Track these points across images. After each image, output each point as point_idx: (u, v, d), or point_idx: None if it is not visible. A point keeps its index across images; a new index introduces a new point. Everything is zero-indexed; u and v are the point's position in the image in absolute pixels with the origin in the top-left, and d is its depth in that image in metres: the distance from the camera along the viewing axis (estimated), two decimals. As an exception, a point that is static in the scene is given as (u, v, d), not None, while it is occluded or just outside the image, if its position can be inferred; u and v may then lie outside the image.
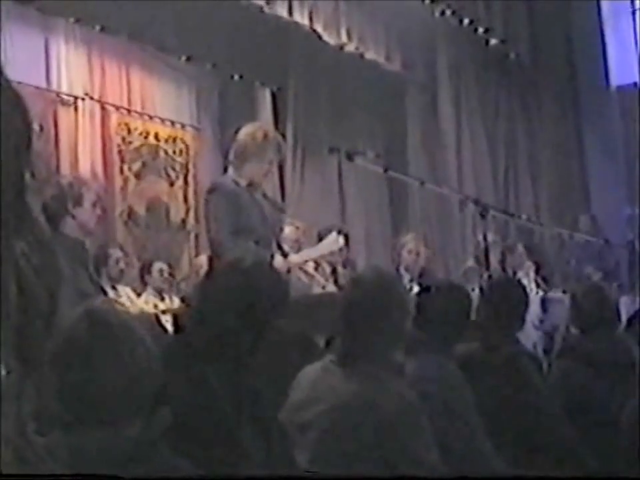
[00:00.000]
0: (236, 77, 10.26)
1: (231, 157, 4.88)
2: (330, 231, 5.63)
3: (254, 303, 2.88)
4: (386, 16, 9.80)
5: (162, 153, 9.85)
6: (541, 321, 7.52)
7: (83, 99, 9.03)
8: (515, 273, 8.23)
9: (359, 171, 9.45)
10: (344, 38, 9.47)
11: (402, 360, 3.37)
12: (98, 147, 9.15)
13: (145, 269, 7.93)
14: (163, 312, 6.53)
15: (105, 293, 4.94)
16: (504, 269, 8.38)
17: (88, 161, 8.94)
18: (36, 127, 7.91)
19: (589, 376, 4.50)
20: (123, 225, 9.33)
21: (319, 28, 9.14)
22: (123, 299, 7.20)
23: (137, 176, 9.55)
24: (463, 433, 3.59)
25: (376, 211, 11.04)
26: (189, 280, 8.53)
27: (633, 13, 11.42)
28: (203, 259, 7.23)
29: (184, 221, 9.97)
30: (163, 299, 7.67)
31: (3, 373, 1.05)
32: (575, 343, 4.91)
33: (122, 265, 7.55)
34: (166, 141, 9.92)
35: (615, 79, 11.34)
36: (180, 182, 10.00)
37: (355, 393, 3.12)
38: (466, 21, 10.10)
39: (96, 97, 9.18)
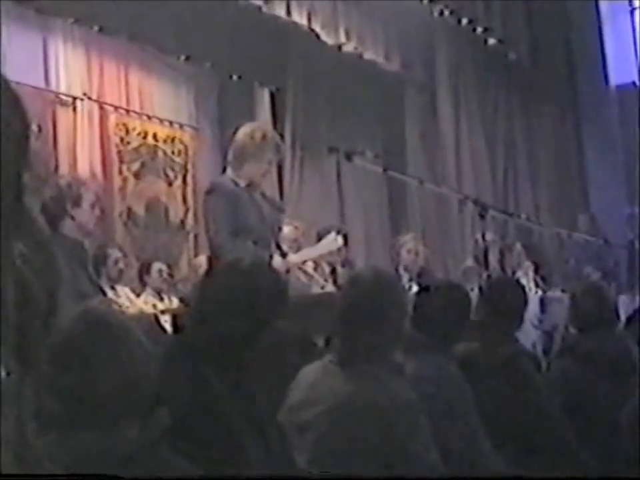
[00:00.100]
0: (234, 77, 10.25)
1: (230, 157, 4.88)
2: (329, 231, 5.63)
3: (253, 303, 2.88)
4: (384, 16, 9.80)
5: (161, 153, 9.85)
6: (540, 321, 7.52)
7: (81, 99, 9.02)
8: (514, 273, 8.23)
9: (357, 171, 9.44)
10: (342, 38, 9.48)
11: (401, 360, 3.37)
12: (96, 147, 9.14)
13: (144, 269, 7.93)
14: (162, 312, 6.53)
15: (104, 293, 4.94)
16: (503, 269, 8.38)
17: (87, 161, 8.93)
18: (34, 127, 7.91)
19: (588, 375, 4.50)
20: (121, 225, 9.33)
21: (317, 28, 9.14)
22: (122, 299, 7.20)
23: (136, 176, 9.54)
24: (463, 432, 3.59)
25: (375, 211, 11.04)
26: (188, 280, 8.52)
27: (632, 12, 11.44)
28: (202, 259, 7.23)
29: (183, 221, 9.96)
30: (162, 299, 7.67)
31: (3, 374, 1.05)
32: (574, 343, 4.91)
33: (121, 265, 7.54)
34: (164, 141, 9.91)
35: (614, 78, 11.36)
36: (179, 182, 9.99)
37: (354, 393, 3.12)
38: (464, 21, 10.11)
39: (94, 97, 9.17)
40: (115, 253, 7.55)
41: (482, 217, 5.54)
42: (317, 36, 9.22)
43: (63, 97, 8.90)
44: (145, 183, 9.64)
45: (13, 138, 1.14)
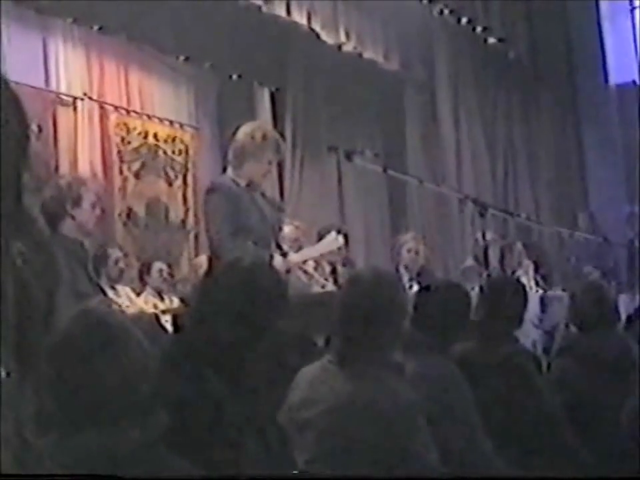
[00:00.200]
0: (234, 77, 10.25)
1: (230, 156, 4.88)
2: (329, 231, 5.63)
3: (253, 303, 2.88)
4: (384, 15, 9.80)
5: (161, 153, 9.85)
6: (540, 320, 7.51)
7: (81, 99, 9.03)
8: (514, 272, 8.22)
9: (358, 170, 9.44)
10: (342, 37, 9.48)
11: (400, 359, 3.37)
12: (97, 147, 9.14)
13: (145, 269, 7.93)
14: (163, 312, 6.53)
15: (105, 293, 4.94)
16: (503, 268, 8.38)
17: (87, 161, 8.93)
18: (35, 127, 7.91)
19: (589, 374, 4.50)
20: (122, 225, 9.33)
21: (317, 27, 9.14)
22: (123, 299, 7.20)
23: (136, 176, 9.54)
24: (463, 432, 3.59)
25: (375, 210, 11.04)
26: (188, 280, 8.52)
27: (632, 11, 11.43)
28: (202, 259, 7.23)
29: (183, 221, 9.96)
30: (162, 299, 7.67)
31: (3, 374, 1.05)
32: (575, 342, 4.91)
33: (121, 265, 7.55)
34: (165, 140, 9.91)
35: (614, 77, 11.35)
36: (179, 182, 9.99)
37: (353, 393, 3.12)
38: (464, 20, 10.11)
39: (95, 97, 9.17)
40: (115, 253, 7.56)
41: (482, 216, 5.54)
42: (317, 36, 9.22)
43: (63, 97, 8.90)
44: (146, 183, 9.64)
45: (12, 138, 1.14)
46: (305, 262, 5.42)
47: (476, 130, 11.20)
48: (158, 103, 9.98)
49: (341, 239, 5.37)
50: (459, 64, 11.09)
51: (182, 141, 10.10)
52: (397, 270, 7.25)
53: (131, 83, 9.66)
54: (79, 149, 8.90)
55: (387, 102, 11.06)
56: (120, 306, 6.47)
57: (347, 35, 9.51)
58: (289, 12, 8.81)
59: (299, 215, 8.61)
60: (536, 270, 8.39)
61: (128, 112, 9.58)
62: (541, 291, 8.02)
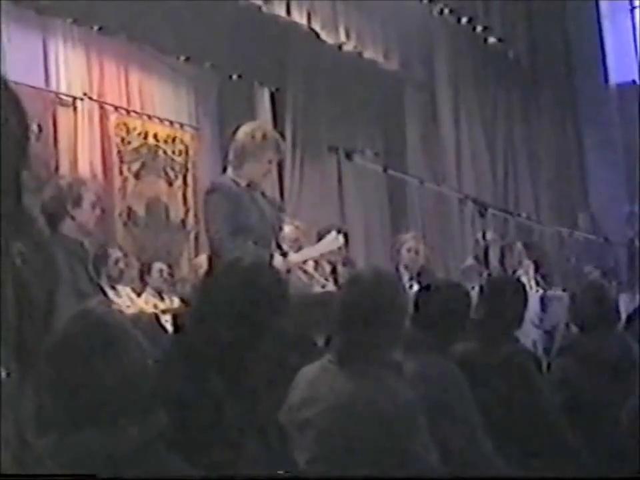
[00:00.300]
0: (234, 77, 10.25)
1: (230, 156, 4.88)
2: (329, 230, 5.63)
3: (253, 303, 2.88)
4: (384, 15, 9.80)
5: (161, 153, 9.85)
6: (541, 320, 7.51)
7: (81, 99, 9.02)
8: (514, 272, 8.22)
9: (358, 170, 9.44)
10: (342, 37, 9.48)
11: (400, 359, 3.37)
12: (97, 147, 9.14)
13: (145, 269, 7.94)
14: (163, 312, 6.55)
15: (105, 293, 4.94)
16: (503, 268, 8.37)
17: (87, 161, 8.93)
18: (35, 127, 7.91)
19: (589, 374, 4.50)
20: (122, 225, 9.33)
21: (317, 27, 9.14)
22: (123, 299, 7.21)
23: (136, 176, 9.54)
24: (463, 432, 3.59)
25: (375, 210, 11.04)
26: (188, 280, 8.53)
27: (632, 10, 11.43)
28: (202, 259, 7.23)
29: (183, 221, 9.96)
30: (162, 299, 7.67)
31: (3, 374, 1.05)
32: (575, 341, 4.91)
33: (121, 265, 7.55)
34: (165, 141, 9.91)
35: (614, 77, 11.35)
36: (179, 182, 9.99)
37: (353, 393, 3.12)
38: (464, 20, 10.11)
39: (95, 97, 9.17)
40: (115, 253, 7.56)
41: (482, 215, 5.53)
42: (317, 35, 9.22)
43: (63, 97, 8.90)
44: (146, 183, 9.64)
45: (12, 138, 1.14)
46: (305, 262, 5.42)
47: (476, 130, 11.20)
48: (158, 103, 9.98)
49: (341, 238, 5.37)
50: (459, 64, 11.09)
51: (182, 141, 10.10)
52: (397, 269, 7.25)
53: (130, 83, 9.66)
54: (79, 149, 8.90)
55: (387, 102, 11.06)
56: (119, 306, 6.47)
57: (347, 35, 9.51)
58: (288, 12, 8.81)
59: (299, 215, 8.62)
60: (536, 270, 8.39)
61: (128, 112, 9.58)
62: (541, 291, 8.02)
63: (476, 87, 11.23)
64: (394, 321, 3.28)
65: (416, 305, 3.94)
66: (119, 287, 7.40)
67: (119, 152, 9.40)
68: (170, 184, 9.90)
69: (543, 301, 7.69)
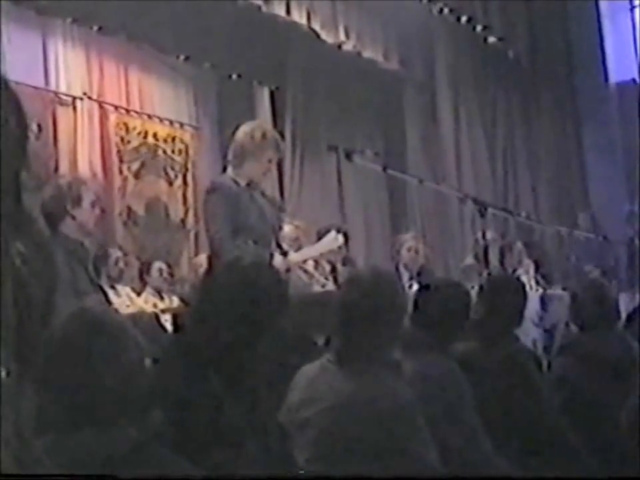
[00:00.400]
0: (234, 76, 10.26)
1: (230, 156, 4.88)
2: (329, 230, 5.63)
3: (253, 302, 2.88)
4: (384, 14, 9.80)
5: (161, 153, 9.85)
6: (541, 319, 7.51)
7: (81, 99, 9.03)
8: (514, 271, 8.22)
9: (358, 170, 9.44)
10: (342, 36, 9.48)
11: (399, 358, 3.37)
12: (97, 146, 9.14)
13: (145, 269, 7.94)
14: (163, 311, 6.54)
15: (105, 293, 4.93)
16: (503, 267, 8.37)
17: (87, 160, 8.93)
18: (34, 127, 7.92)
19: (589, 373, 4.50)
20: (122, 224, 9.33)
21: (316, 27, 9.14)
22: (123, 299, 7.21)
23: (136, 175, 9.55)
24: (463, 431, 3.59)
25: (375, 209, 11.04)
26: (188, 279, 8.53)
27: (632, 9, 11.43)
28: (202, 259, 7.23)
29: (183, 221, 9.96)
30: (162, 299, 7.67)
31: (3, 374, 1.05)
32: (575, 340, 4.91)
33: (121, 264, 7.56)
34: (165, 140, 9.91)
35: (614, 76, 11.35)
36: (179, 181, 10.00)
37: (352, 392, 3.12)
38: (464, 19, 10.11)
39: (94, 96, 9.18)
40: (115, 253, 7.57)
41: (482, 215, 5.53)
42: (317, 35, 9.22)
43: (63, 97, 8.90)
44: (145, 183, 9.65)
45: (12, 138, 1.14)
46: (305, 261, 5.42)
47: (476, 129, 11.20)
48: (158, 103, 9.98)
49: (340, 238, 5.37)
50: (459, 63, 11.08)
51: (182, 141, 10.10)
52: (397, 269, 7.26)
53: (130, 83, 9.66)
54: (79, 148, 8.90)
55: (387, 101, 11.06)
56: (116, 305, 6.47)
57: (347, 34, 9.51)
58: (288, 11, 8.82)
59: (299, 214, 8.62)
60: (536, 269, 8.39)
61: (128, 112, 9.59)
62: (541, 290, 8.02)
63: (476, 87, 11.23)
64: (393, 321, 3.28)
65: (416, 305, 3.94)
66: (119, 287, 7.40)
67: (118, 151, 9.40)
68: (170, 183, 9.91)
69: (543, 300, 7.69)
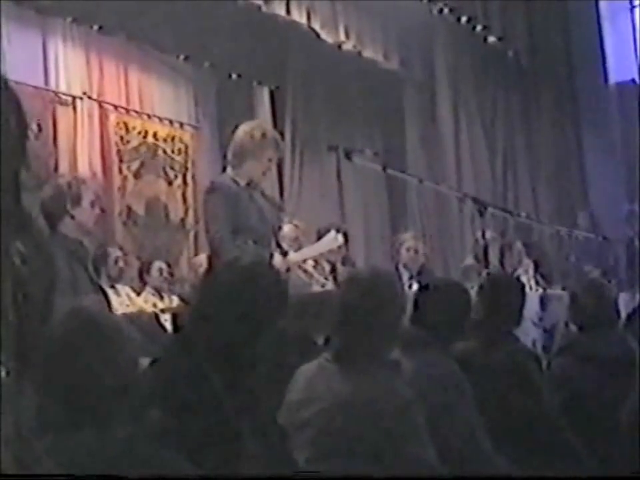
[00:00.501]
0: (234, 76, 10.26)
1: (230, 156, 4.88)
2: (329, 229, 5.64)
3: (253, 302, 2.88)
4: (383, 14, 9.80)
5: (160, 152, 9.85)
6: (540, 319, 7.50)
7: (81, 99, 9.03)
8: (514, 271, 8.22)
9: (357, 169, 9.43)
10: (342, 36, 9.48)
11: (399, 358, 3.37)
12: (96, 146, 9.14)
13: (144, 268, 7.94)
14: (162, 311, 6.54)
15: (104, 293, 4.93)
16: (503, 267, 8.37)
17: (86, 160, 8.93)
18: (34, 126, 7.92)
19: (589, 373, 4.50)
20: (121, 224, 9.33)
21: (316, 26, 9.14)
22: (122, 298, 7.21)
23: (136, 175, 9.55)
24: (462, 431, 3.59)
25: (375, 209, 11.04)
26: (188, 279, 8.53)
27: (632, 9, 11.43)
28: (202, 258, 7.24)
29: (183, 220, 9.97)
30: (162, 298, 7.67)
31: (3, 374, 1.05)
32: (575, 340, 4.91)
33: (121, 264, 7.55)
34: (164, 140, 9.91)
35: (614, 76, 11.34)
36: (179, 181, 10.00)
37: (351, 391, 3.12)
38: (464, 19, 10.11)
39: (94, 96, 9.18)
40: (115, 252, 7.57)
41: (482, 215, 5.53)
42: (317, 35, 9.22)
43: (63, 96, 8.90)
44: (145, 182, 9.65)
45: (12, 137, 1.14)
46: (304, 261, 5.43)
47: (475, 128, 11.20)
48: (157, 103, 9.98)
49: (340, 237, 5.38)
50: (459, 63, 11.08)
51: (181, 141, 10.10)
52: (397, 269, 7.26)
53: (130, 83, 9.67)
54: (79, 148, 8.90)
55: (387, 101, 11.05)
56: (115, 304, 6.47)
57: (347, 34, 9.51)
58: (288, 11, 8.82)
59: (299, 214, 8.62)
60: (536, 269, 8.39)
61: (127, 111, 9.59)
62: (540, 290, 8.02)
63: (476, 87, 11.22)
64: (392, 320, 3.28)
65: (415, 304, 3.93)
66: (119, 286, 7.41)
67: (118, 151, 9.40)
68: (169, 183, 9.91)
69: (542, 299, 7.68)
